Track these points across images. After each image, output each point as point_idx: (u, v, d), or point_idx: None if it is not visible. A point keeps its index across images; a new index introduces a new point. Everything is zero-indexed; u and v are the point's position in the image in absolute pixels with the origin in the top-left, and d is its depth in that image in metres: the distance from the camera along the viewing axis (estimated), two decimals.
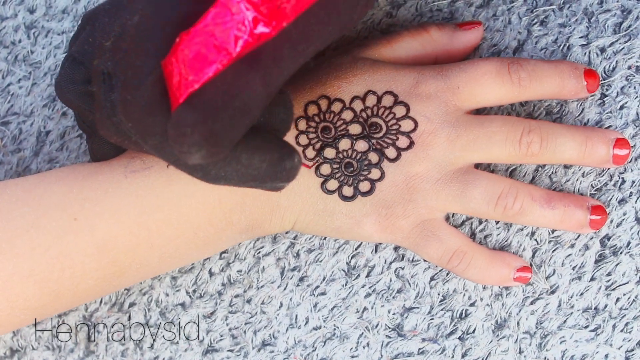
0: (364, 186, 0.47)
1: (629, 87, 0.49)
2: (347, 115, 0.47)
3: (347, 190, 0.47)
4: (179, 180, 0.45)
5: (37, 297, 0.45)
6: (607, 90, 0.49)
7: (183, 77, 0.35)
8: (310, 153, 0.47)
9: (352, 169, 0.47)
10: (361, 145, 0.47)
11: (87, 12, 0.43)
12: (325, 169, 0.47)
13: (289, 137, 0.47)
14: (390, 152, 0.47)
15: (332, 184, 0.47)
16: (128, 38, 0.38)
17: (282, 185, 0.41)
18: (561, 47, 0.50)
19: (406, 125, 0.47)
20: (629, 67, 0.49)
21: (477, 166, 0.49)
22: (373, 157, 0.47)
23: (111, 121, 0.40)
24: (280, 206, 0.47)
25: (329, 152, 0.47)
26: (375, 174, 0.47)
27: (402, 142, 0.46)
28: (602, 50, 0.50)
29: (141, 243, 0.45)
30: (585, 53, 0.50)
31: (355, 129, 0.47)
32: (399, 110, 0.47)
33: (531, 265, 0.49)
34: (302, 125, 0.47)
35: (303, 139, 0.47)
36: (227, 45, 0.35)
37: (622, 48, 0.49)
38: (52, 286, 0.45)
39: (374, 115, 0.47)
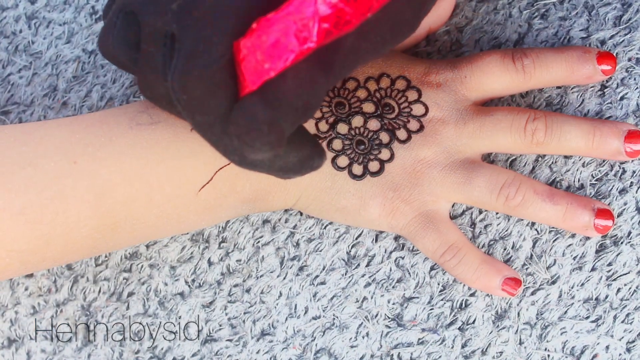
0: (374, 166, 0.47)
1: (629, 78, 0.49)
2: (362, 93, 0.48)
3: (357, 169, 0.47)
4: (185, 139, 0.45)
5: (26, 240, 0.43)
6: (607, 81, 0.49)
7: (259, 63, 0.35)
8: (323, 126, 0.47)
9: (363, 146, 0.47)
10: (373, 124, 0.47)
11: None
12: (337, 144, 0.47)
13: None
14: (401, 134, 0.47)
15: (343, 161, 0.47)
16: (201, 7, 0.37)
17: (296, 176, 0.41)
18: (562, 39, 0.50)
19: (417, 109, 0.48)
20: (629, 59, 0.49)
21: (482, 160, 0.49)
22: (384, 137, 0.47)
23: (159, 84, 0.39)
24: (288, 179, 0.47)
25: (342, 128, 0.47)
26: (385, 154, 0.47)
27: (413, 125, 0.47)
28: (603, 42, 0.50)
29: (140, 197, 0.45)
30: (585, 46, 0.50)
31: (368, 107, 0.48)
32: (411, 95, 0.48)
33: (532, 255, 0.49)
34: None
35: (316, 112, 0.47)
36: (307, 36, 0.34)
37: (622, 40, 0.50)
38: (43, 229, 0.43)
39: (387, 97, 0.48)
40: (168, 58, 0.38)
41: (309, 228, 0.51)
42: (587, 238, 0.48)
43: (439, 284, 0.50)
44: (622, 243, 0.48)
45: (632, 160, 0.48)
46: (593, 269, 0.48)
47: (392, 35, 0.38)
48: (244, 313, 0.51)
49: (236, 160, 0.39)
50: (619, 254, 0.48)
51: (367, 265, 0.50)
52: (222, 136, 0.37)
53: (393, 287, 0.50)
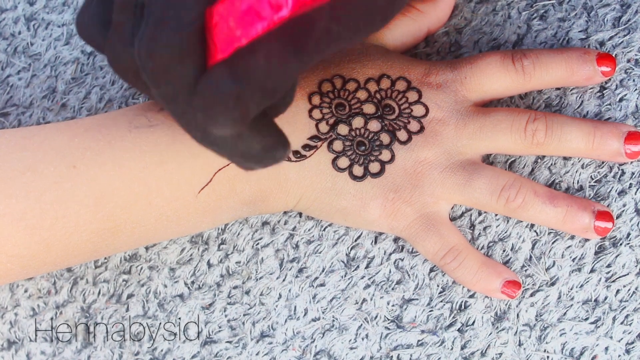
0: (374, 167, 0.47)
1: (628, 79, 0.49)
2: (362, 94, 0.48)
3: (358, 170, 0.47)
4: (184, 141, 0.45)
5: (27, 245, 0.43)
6: (606, 82, 0.49)
7: (231, 30, 0.34)
8: (324, 127, 0.47)
9: (363, 147, 0.47)
10: (374, 125, 0.47)
11: None
12: (338, 145, 0.47)
13: (302, 110, 0.47)
14: (402, 135, 0.47)
15: (343, 162, 0.47)
16: None
17: (258, 167, 0.40)
18: (561, 41, 0.50)
19: (418, 110, 0.48)
20: (628, 61, 0.49)
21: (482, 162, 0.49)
22: (385, 138, 0.47)
23: (127, 55, 0.38)
24: (289, 179, 0.47)
25: (342, 129, 0.47)
26: (385, 155, 0.47)
27: (414, 126, 0.48)
28: (602, 44, 0.50)
29: (139, 200, 0.45)
30: (585, 47, 0.50)
31: (369, 108, 0.48)
32: (412, 96, 0.48)
33: (531, 257, 0.49)
34: (316, 100, 0.48)
35: (316, 113, 0.47)
36: (281, 3, 0.34)
37: (622, 42, 0.49)
38: (44, 234, 0.44)
39: (388, 98, 0.48)
40: (137, 27, 0.38)
41: (309, 230, 0.51)
42: (586, 240, 0.48)
43: (438, 286, 0.50)
44: (621, 244, 0.48)
45: (631, 162, 0.48)
46: (592, 271, 0.48)
47: (365, 22, 0.37)
48: (244, 315, 0.51)
49: (198, 137, 0.38)
50: (618, 255, 0.48)
51: (366, 267, 0.50)
52: (186, 108, 0.36)
53: (392, 288, 0.50)
